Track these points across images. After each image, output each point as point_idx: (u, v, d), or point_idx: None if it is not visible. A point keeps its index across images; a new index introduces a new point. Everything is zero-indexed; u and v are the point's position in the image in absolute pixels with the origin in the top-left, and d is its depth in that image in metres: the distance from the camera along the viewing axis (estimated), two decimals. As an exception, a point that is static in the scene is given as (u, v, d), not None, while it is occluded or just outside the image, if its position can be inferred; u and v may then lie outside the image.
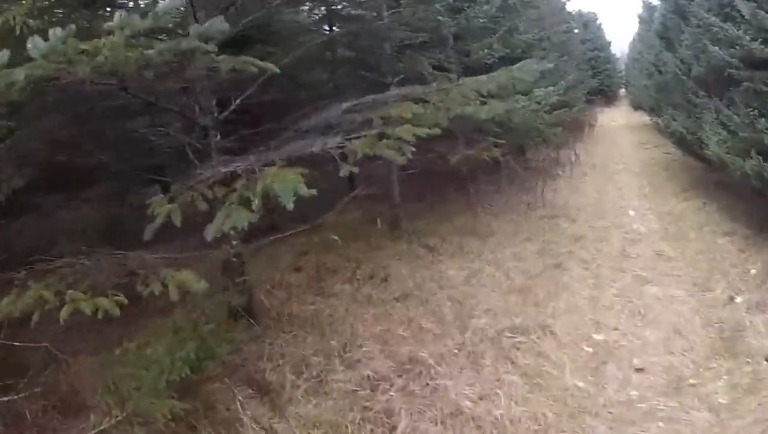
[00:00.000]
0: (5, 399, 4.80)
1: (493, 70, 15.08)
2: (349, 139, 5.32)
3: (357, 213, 13.23)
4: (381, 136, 5.29)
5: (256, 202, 4.54)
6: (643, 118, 33.61)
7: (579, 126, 25.70)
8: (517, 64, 7.41)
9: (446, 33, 13.53)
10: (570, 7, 39.12)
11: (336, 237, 10.65)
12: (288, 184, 4.27)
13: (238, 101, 7.58)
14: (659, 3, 25.82)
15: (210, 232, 4.67)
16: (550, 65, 12.26)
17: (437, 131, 6.01)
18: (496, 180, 14.93)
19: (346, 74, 13.85)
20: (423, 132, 5.60)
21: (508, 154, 18.30)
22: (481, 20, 14.33)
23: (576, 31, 38.30)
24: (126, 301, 4.34)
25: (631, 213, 13.97)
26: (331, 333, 7.64)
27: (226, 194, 5.06)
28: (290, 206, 4.20)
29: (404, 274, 9.85)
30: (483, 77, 7.54)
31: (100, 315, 4.14)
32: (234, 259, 7.44)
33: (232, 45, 6.37)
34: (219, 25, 4.43)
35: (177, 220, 4.81)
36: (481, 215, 13.47)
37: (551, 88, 13.19)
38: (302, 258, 10.98)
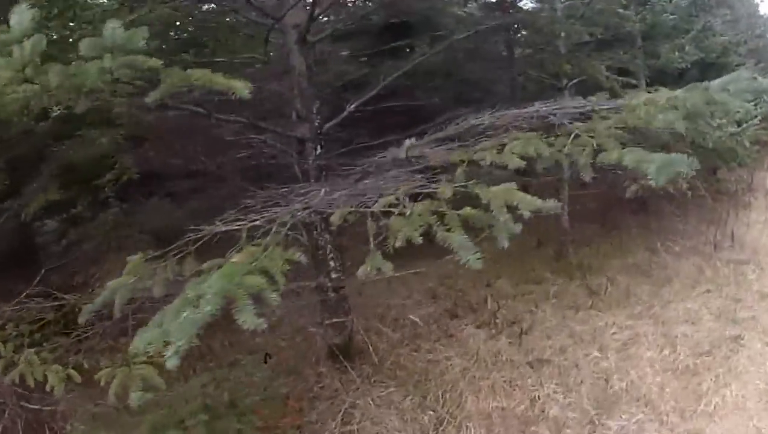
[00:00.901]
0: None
1: (686, 77, 12.64)
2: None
3: (519, 233, 11.40)
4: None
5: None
6: None
7: (779, 146, 22.11)
8: (722, 79, 4.68)
9: (631, 30, 11.21)
10: (763, 10, 35.53)
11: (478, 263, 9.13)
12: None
13: (352, 107, 6.57)
14: None
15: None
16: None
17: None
18: (682, 206, 12.20)
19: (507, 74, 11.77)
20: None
21: (696, 175, 15.73)
22: (671, 16, 11.77)
23: None
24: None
25: (825, 267, 11.28)
26: (433, 400, 6.43)
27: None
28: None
29: (552, 326, 8.40)
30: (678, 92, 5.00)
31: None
32: (332, 294, 6.60)
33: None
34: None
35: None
36: (660, 252, 11.39)
37: (751, 105, 10.47)
38: (439, 288, 9.73)
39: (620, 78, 10.80)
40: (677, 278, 10.18)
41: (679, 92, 4.54)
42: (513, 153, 3.75)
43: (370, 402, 6.27)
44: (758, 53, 23.53)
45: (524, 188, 3.50)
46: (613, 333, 8.12)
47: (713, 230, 12.12)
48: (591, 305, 9.06)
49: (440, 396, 6.42)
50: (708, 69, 16.25)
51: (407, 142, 4.49)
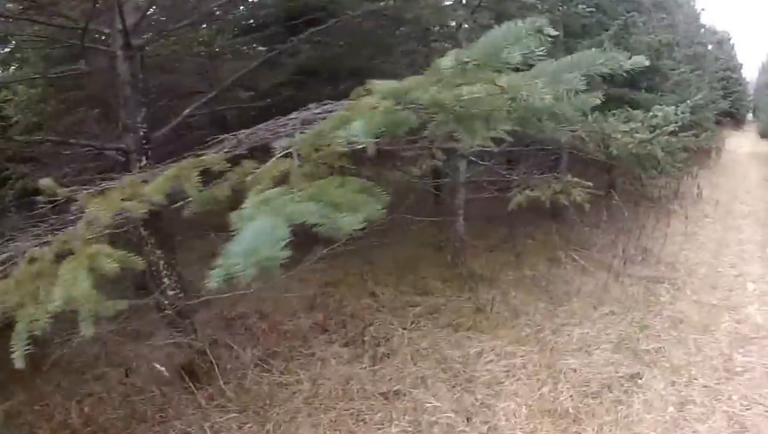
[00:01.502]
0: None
1: (615, 80, 11.36)
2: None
3: (419, 236, 10.88)
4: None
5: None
6: (772, 147, 29.54)
7: (705, 150, 21.38)
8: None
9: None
10: (705, 20, 35.32)
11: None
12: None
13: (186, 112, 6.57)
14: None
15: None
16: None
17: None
18: (597, 211, 10.78)
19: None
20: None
21: (620, 177, 14.32)
22: (588, 9, 10.44)
23: (710, 47, 34.58)
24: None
25: (750, 286, 9.89)
26: (272, 431, 5.51)
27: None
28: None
29: (422, 349, 7.17)
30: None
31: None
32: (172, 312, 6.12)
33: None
34: None
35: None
36: (563, 265, 10.15)
37: (672, 109, 9.02)
38: (320, 296, 8.58)
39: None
40: (578, 296, 8.88)
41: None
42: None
43: (206, 428, 5.41)
44: (697, 60, 22.66)
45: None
46: (489, 361, 6.81)
47: (629, 242, 10.76)
48: (472, 325, 7.80)
49: (279, 427, 5.50)
50: (639, 73, 14.98)
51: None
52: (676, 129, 9.44)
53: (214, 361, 6.20)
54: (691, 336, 7.73)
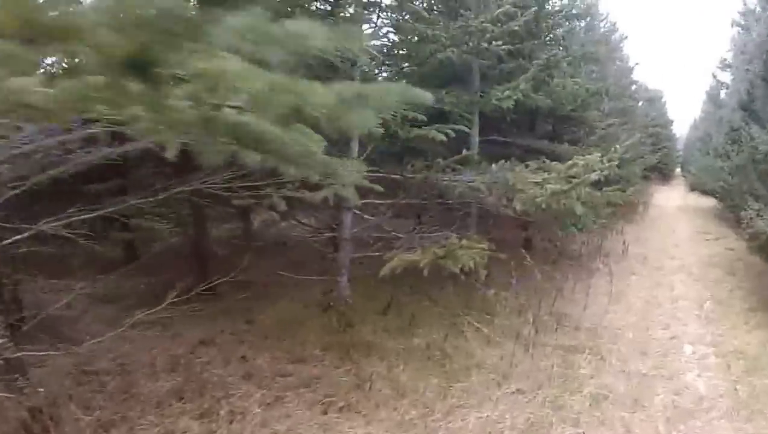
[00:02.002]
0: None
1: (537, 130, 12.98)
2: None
3: (306, 294, 9.83)
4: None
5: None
6: (700, 200, 30.30)
7: (632, 204, 20.37)
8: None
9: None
10: (637, 76, 35.38)
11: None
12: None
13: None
14: (740, 68, 21.26)
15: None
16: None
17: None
18: (506, 272, 9.38)
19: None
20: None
21: (538, 233, 13.08)
22: (500, 45, 9.36)
23: (640, 103, 34.75)
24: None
25: (687, 349, 8.65)
26: None
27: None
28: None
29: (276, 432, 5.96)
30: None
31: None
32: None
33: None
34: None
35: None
36: (464, 333, 8.69)
37: (595, 157, 7.75)
38: (188, 355, 7.72)
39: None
40: (480, 371, 7.42)
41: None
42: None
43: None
44: (626, 114, 21.95)
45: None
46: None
47: (544, 304, 9.37)
48: (346, 404, 6.44)
49: None
50: (562, 122, 13.95)
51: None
52: (601, 179, 8.25)
53: (51, 422, 5.29)
54: (618, 415, 6.38)
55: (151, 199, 7.24)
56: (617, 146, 9.04)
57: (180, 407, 6.15)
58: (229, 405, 6.21)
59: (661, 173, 45.49)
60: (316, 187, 6.40)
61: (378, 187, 7.48)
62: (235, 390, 6.58)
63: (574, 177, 7.75)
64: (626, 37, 32.86)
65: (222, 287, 9.69)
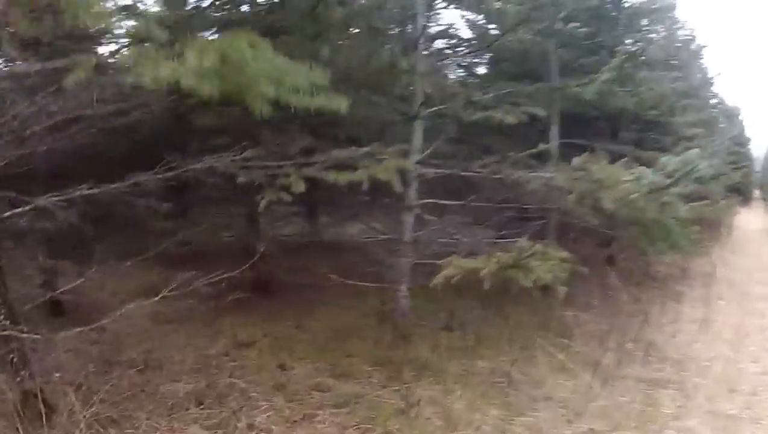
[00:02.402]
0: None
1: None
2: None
3: (364, 302, 8.95)
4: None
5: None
6: (783, 223, 27.04)
7: (714, 227, 19.12)
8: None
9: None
10: (716, 89, 32.73)
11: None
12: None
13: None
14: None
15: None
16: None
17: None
18: (587, 291, 8.10)
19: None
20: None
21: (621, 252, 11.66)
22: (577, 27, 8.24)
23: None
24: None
25: (778, 388, 7.19)
26: None
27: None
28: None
29: None
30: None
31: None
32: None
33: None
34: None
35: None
36: (539, 356, 7.46)
37: (695, 153, 6.48)
38: (222, 358, 7.10)
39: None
40: (548, 404, 6.22)
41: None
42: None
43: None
44: (709, 126, 20.16)
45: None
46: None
47: (627, 331, 8.03)
48: (384, 432, 5.44)
49: None
50: (647, 128, 12.53)
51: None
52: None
53: (44, 411, 4.84)
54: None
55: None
56: (717, 142, 7.69)
57: (195, 413, 5.47)
58: (249, 418, 5.42)
59: (741, 194, 42.54)
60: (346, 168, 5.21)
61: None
62: (262, 402, 5.77)
63: (672, 173, 6.46)
64: (705, 47, 30.40)
65: (276, 286, 9.26)
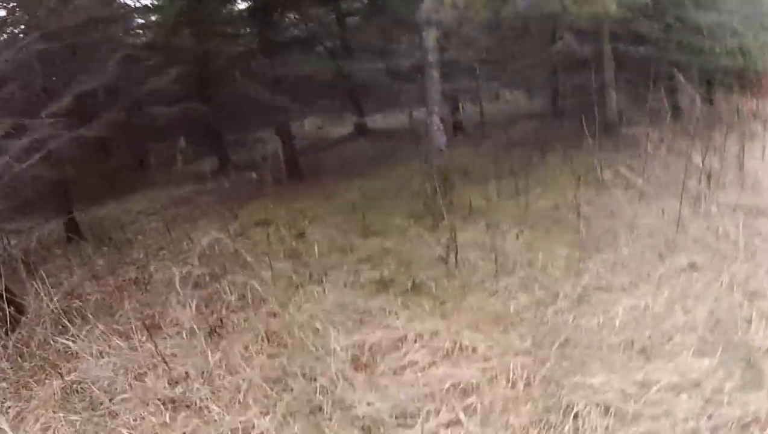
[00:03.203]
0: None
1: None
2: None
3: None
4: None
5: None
6: None
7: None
8: None
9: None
10: None
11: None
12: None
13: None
14: None
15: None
16: None
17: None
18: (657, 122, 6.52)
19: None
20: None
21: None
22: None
23: None
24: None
25: None
26: None
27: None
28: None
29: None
30: None
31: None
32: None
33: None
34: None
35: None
36: (611, 182, 6.13)
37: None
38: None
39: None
40: (631, 236, 4.78)
41: None
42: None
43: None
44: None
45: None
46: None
47: (703, 156, 6.24)
48: (412, 286, 4.28)
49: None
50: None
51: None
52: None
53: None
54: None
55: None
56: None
57: (189, 293, 4.73)
58: (241, 290, 4.64)
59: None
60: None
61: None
62: (267, 271, 4.89)
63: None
64: None
65: (310, 171, 8.84)
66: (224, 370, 3.60)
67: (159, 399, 3.39)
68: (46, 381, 3.66)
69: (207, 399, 3.30)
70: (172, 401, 3.39)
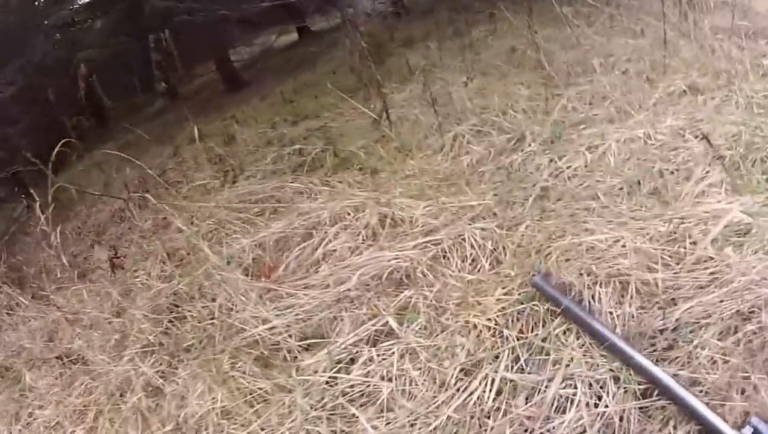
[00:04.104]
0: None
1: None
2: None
3: None
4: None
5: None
6: None
7: None
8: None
9: None
10: None
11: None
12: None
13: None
14: None
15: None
16: None
17: None
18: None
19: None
20: None
21: None
22: None
23: None
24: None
25: None
26: None
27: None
28: None
29: None
30: None
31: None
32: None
33: None
34: None
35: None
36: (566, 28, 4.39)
37: None
38: None
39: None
40: (610, 65, 3.76)
41: None
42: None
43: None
44: None
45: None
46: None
47: None
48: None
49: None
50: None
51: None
52: None
53: None
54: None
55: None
56: None
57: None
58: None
59: None
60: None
61: None
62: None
63: None
64: None
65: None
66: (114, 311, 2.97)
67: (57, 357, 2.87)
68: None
69: (97, 348, 2.70)
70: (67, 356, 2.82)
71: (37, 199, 3.34)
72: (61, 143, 3.17)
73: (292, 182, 3.26)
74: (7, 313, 3.50)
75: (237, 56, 9.91)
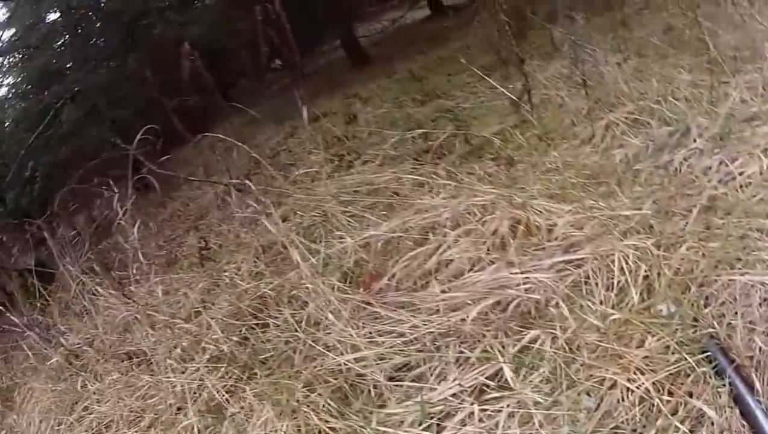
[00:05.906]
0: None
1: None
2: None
3: None
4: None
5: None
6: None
7: None
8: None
9: None
10: None
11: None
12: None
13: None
14: None
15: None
16: None
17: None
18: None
19: None
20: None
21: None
22: None
23: None
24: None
25: None
26: None
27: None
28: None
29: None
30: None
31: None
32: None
33: None
34: None
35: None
36: None
37: None
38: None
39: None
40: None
41: None
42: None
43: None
44: None
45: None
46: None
47: None
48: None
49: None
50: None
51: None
52: None
53: None
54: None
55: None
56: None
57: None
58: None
59: None
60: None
61: None
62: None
63: None
64: None
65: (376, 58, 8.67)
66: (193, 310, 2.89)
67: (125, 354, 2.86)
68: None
69: (165, 352, 2.64)
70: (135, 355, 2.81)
71: (135, 183, 3.28)
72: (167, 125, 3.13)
73: (412, 171, 3.07)
74: (90, 299, 3.45)
75: (365, 32, 9.96)
